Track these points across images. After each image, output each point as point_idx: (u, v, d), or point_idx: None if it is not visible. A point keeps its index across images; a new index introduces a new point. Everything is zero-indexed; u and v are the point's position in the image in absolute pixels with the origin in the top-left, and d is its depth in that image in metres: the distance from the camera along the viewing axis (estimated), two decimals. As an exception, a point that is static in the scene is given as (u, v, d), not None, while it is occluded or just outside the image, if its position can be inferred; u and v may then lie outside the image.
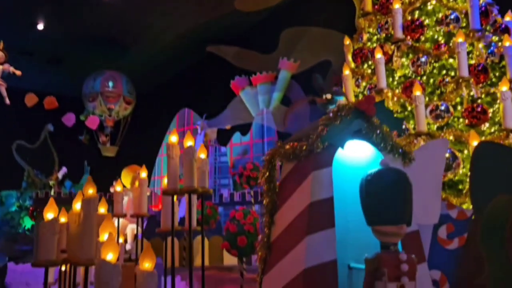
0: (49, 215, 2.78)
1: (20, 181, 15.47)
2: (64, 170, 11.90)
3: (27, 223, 13.63)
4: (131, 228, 6.53)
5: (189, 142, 3.47)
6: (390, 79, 4.56)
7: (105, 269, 1.92)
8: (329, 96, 2.97)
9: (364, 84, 4.80)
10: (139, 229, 5.06)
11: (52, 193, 10.88)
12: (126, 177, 6.08)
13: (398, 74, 4.54)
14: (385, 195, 2.18)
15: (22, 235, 13.04)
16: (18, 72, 9.49)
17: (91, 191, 2.76)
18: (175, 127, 13.12)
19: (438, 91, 4.30)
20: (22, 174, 15.54)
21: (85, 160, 15.83)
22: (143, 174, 4.66)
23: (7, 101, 9.51)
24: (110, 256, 1.98)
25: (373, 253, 2.21)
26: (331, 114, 2.53)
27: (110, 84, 13.99)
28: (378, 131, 2.49)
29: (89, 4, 12.11)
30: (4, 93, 9.41)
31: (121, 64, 14.84)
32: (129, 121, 15.07)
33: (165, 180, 4.05)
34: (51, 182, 11.15)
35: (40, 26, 13.08)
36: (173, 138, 3.55)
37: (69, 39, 14.05)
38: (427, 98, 4.15)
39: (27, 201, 14.57)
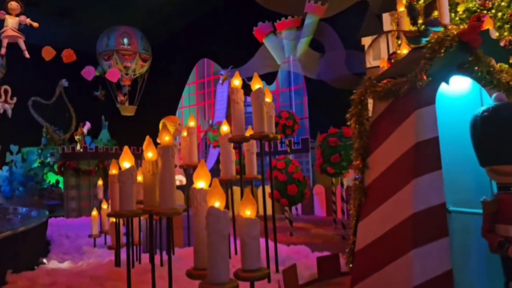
0: (125, 164, 2.63)
1: (40, 137, 15.48)
2: (88, 125, 11.78)
3: (51, 178, 13.74)
4: (178, 180, 6.47)
5: (257, 85, 3.25)
6: (452, 15, 4.22)
7: (216, 216, 1.79)
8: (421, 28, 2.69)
9: (420, 21, 4.46)
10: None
11: (78, 147, 10.82)
12: (161, 128, 5.91)
13: (461, 9, 4.20)
14: (504, 132, 1.99)
15: (48, 190, 13.20)
16: (35, 24, 9.11)
17: (167, 138, 2.58)
18: (195, 79, 12.87)
19: (507, 26, 3.98)
20: (40, 130, 15.53)
21: (102, 116, 15.74)
22: (192, 123, 4.49)
23: (27, 54, 9.20)
24: (217, 203, 1.84)
25: (491, 195, 2.05)
26: (431, 46, 2.27)
27: (125, 41, 13.52)
28: (484, 64, 2.26)
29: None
30: (23, 46, 9.08)
31: (132, 15, 14.26)
32: (146, 78, 14.72)
33: (224, 127, 3.88)
34: (76, 137, 11.07)
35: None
36: (236, 81, 3.32)
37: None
38: (497, 33, 3.84)
39: (48, 157, 14.63)
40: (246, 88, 10.41)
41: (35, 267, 4.49)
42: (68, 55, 9.78)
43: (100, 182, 7.20)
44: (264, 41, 10.75)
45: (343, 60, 8.50)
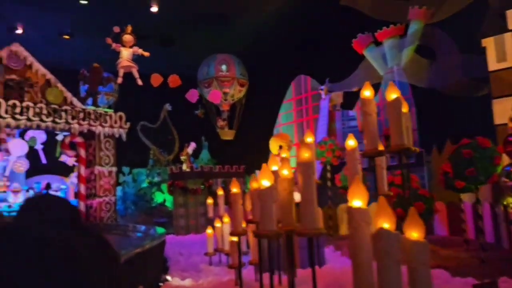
0: (265, 182, 2.56)
1: (147, 159, 16.61)
2: (193, 145, 12.37)
3: (159, 197, 14.59)
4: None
5: (393, 94, 3.02)
6: None
7: (388, 239, 1.61)
8: None
9: None
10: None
11: (184, 167, 11.38)
12: (273, 145, 5.86)
13: None
14: None
15: (157, 208, 13.99)
16: (146, 54, 9.84)
17: (306, 154, 2.46)
18: (292, 95, 12.88)
19: None
20: (148, 152, 16.66)
21: (202, 136, 16.45)
22: (309, 139, 4.35)
23: (140, 82, 9.95)
24: (386, 224, 1.66)
25: None
26: None
27: (224, 67, 14.14)
28: None
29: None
30: (136, 74, 9.85)
31: (229, 39, 14.86)
32: (244, 102, 15.20)
33: (350, 142, 3.69)
34: (182, 157, 11.68)
35: (154, 9, 13.48)
36: (366, 92, 3.12)
37: (180, 20, 14.35)
38: None
39: (155, 177, 15.59)
40: (348, 100, 10.06)
41: (161, 284, 4.64)
42: (174, 80, 10.37)
43: (209, 200, 7.36)
44: (365, 52, 10.40)
45: (458, 65, 7.83)
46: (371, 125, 3.04)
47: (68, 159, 15.09)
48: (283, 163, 2.72)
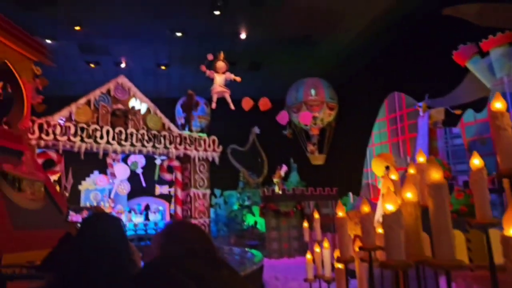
0: (389, 206, 2.34)
1: (237, 181, 16.92)
2: (285, 168, 12.36)
3: (250, 219, 14.69)
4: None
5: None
6: None
7: None
8: None
9: None
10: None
11: (276, 190, 11.35)
12: (378, 166, 5.53)
13: None
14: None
15: (248, 230, 14.07)
16: (238, 79, 10.12)
17: (436, 175, 2.20)
18: (385, 114, 12.34)
19: None
20: (237, 175, 16.98)
21: (291, 158, 16.38)
22: (421, 159, 4.01)
23: (232, 106, 10.23)
24: None
25: None
26: None
27: (312, 92, 14.06)
28: None
29: (286, 5, 12.28)
30: (229, 99, 10.15)
31: (316, 61, 14.81)
32: (334, 126, 14.92)
33: (475, 161, 3.32)
34: (274, 180, 11.69)
35: (243, 36, 13.91)
36: (497, 104, 2.77)
37: (266, 44, 14.63)
38: None
39: (245, 200, 15.77)
40: (450, 117, 9.26)
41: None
42: (265, 103, 10.50)
43: (305, 224, 7.15)
44: (468, 64, 9.62)
45: None
46: (506, 140, 2.67)
47: (163, 187, 15.71)
48: (407, 185, 2.47)
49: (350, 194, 11.92)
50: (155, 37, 14.04)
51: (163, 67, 16.15)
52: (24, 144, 6.91)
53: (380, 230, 4.47)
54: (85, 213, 10.49)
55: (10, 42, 6.49)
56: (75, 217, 10.31)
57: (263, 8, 12.33)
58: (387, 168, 5.14)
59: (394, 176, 3.98)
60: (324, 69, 14.97)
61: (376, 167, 5.51)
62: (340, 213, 4.13)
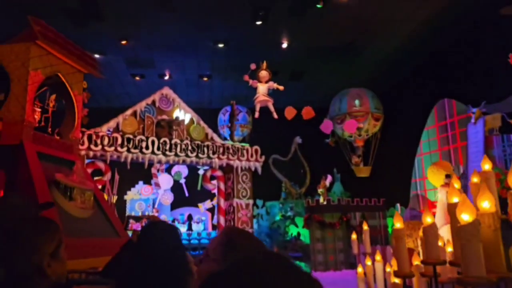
0: (464, 216, 2.12)
1: (279, 192, 16.74)
2: (329, 178, 12.08)
3: (293, 230, 14.45)
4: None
5: None
6: None
7: None
8: None
9: None
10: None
11: (322, 200, 11.09)
12: (435, 175, 5.20)
13: None
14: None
15: (291, 242, 13.83)
16: (281, 88, 10.04)
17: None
18: (434, 122, 11.83)
19: None
20: (280, 185, 16.80)
21: (334, 168, 16.02)
22: (486, 166, 3.72)
23: (275, 115, 10.15)
24: None
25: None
26: None
27: (357, 102, 13.68)
28: None
29: (328, 13, 12.12)
30: (272, 108, 10.06)
31: (360, 69, 14.49)
32: (379, 136, 14.41)
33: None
34: (319, 190, 11.43)
35: (284, 45, 13.84)
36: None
37: (308, 53, 14.47)
38: None
39: (288, 210, 15.55)
40: (506, 124, 8.67)
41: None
42: (308, 112, 10.33)
43: (354, 236, 6.90)
44: (527, 68, 9.04)
45: None
46: None
47: (205, 204, 15.79)
48: (483, 193, 2.25)
49: (398, 205, 11.45)
50: (197, 49, 14.24)
51: (205, 79, 16.34)
52: (75, 154, 7.11)
53: (440, 243, 4.18)
54: (144, 222, 10.65)
55: (63, 56, 6.73)
56: (135, 226, 10.51)
57: (304, 17, 12.21)
58: (448, 176, 4.82)
59: (456, 184, 3.73)
60: (368, 77, 14.58)
61: (433, 176, 5.18)
62: (398, 224, 3.89)
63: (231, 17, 12.28)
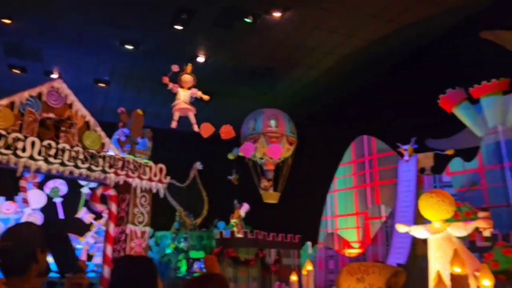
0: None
1: (171, 221, 14.96)
2: (246, 206, 10.76)
3: (184, 267, 12.76)
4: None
5: None
6: None
7: None
8: None
9: None
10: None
11: (236, 232, 9.71)
12: (426, 207, 4.27)
13: None
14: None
15: (183, 280, 12.11)
16: (205, 97, 8.70)
17: None
18: (351, 158, 11.54)
19: None
20: (173, 214, 15.06)
21: (235, 200, 14.89)
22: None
23: (196, 128, 8.70)
24: None
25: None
26: None
27: (273, 123, 12.87)
28: None
29: (255, 31, 11.37)
30: (193, 119, 8.61)
31: (278, 95, 13.93)
32: (291, 162, 13.65)
33: None
34: (232, 221, 10.04)
35: (201, 59, 12.66)
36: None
37: (224, 72, 13.53)
38: None
39: (181, 242, 13.84)
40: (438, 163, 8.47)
41: None
42: (227, 131, 9.12)
43: (294, 277, 5.73)
44: (455, 110, 9.19)
45: None
46: None
47: (85, 215, 13.55)
48: None
49: (309, 244, 10.67)
50: (99, 46, 12.24)
51: (101, 84, 14.17)
52: None
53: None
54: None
55: None
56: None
57: (229, 30, 11.26)
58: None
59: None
60: (285, 104, 14.03)
61: (428, 211, 4.17)
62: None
63: (148, 14, 10.73)
